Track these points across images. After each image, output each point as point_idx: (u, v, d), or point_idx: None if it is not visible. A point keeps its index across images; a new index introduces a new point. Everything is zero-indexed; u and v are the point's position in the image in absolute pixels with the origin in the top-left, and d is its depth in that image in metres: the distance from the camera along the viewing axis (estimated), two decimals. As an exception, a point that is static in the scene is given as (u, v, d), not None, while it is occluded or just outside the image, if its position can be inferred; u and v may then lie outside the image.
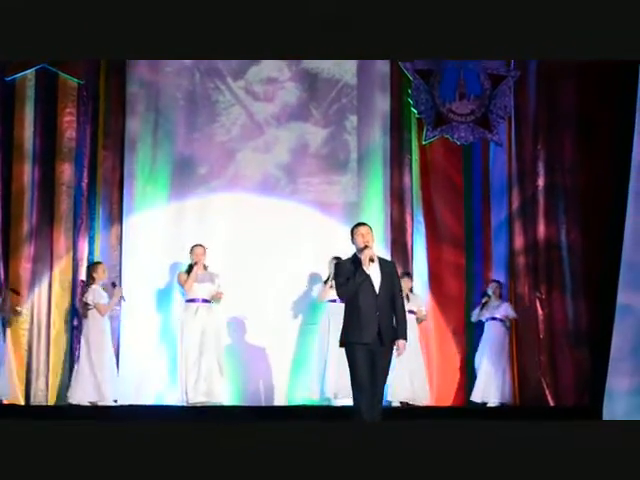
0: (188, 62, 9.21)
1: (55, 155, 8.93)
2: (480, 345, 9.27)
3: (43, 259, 8.79)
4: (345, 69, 9.51)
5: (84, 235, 8.89)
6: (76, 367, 8.27)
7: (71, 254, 8.86)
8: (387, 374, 6.03)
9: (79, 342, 8.44)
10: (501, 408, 9.03)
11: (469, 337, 9.46)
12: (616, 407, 7.68)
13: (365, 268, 5.90)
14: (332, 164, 9.49)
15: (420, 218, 9.52)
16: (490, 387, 9.08)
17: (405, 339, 6.01)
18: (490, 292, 9.31)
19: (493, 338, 9.18)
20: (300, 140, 9.42)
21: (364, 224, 6.21)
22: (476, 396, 9.10)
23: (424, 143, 9.63)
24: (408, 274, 9.07)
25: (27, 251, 8.78)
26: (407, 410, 8.69)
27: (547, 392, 9.21)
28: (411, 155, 9.63)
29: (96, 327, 8.27)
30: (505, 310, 9.23)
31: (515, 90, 9.76)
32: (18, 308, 8.52)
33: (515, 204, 9.63)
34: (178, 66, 9.19)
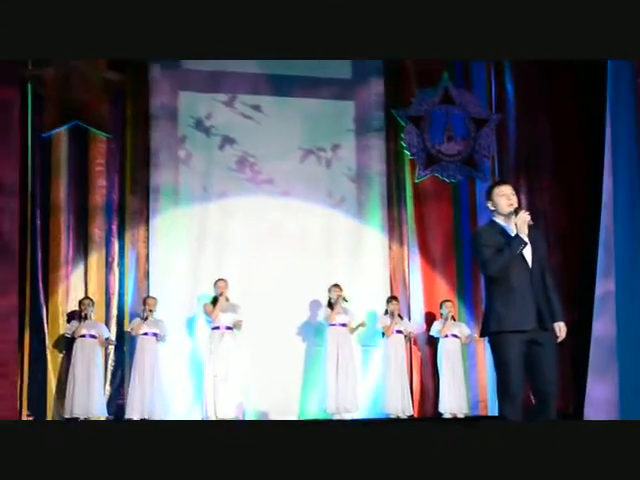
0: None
1: (88, 201, 9.54)
2: (438, 360, 9.79)
3: (78, 293, 9.40)
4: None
5: (115, 272, 9.55)
6: (131, 386, 9.09)
7: (104, 289, 9.52)
8: (556, 368, 4.90)
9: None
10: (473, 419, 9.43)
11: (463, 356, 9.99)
12: (597, 410, 8.40)
13: (522, 235, 4.81)
14: (334, 203, 10.24)
15: (415, 249, 10.19)
16: (453, 399, 9.57)
17: (563, 320, 4.97)
18: (445, 311, 9.81)
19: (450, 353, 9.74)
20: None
21: (505, 182, 5.16)
22: (442, 408, 9.60)
23: (416, 181, 10.30)
24: (395, 298, 9.83)
25: (64, 287, 9.39)
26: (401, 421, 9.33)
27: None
28: (406, 192, 10.32)
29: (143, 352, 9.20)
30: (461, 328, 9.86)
31: (497, 132, 10.52)
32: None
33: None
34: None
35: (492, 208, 5.04)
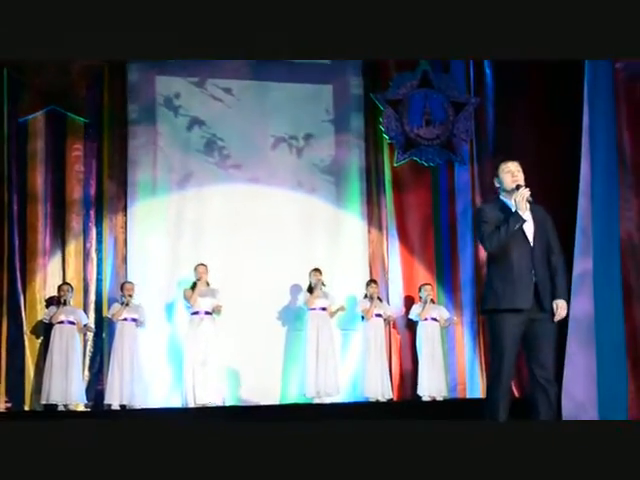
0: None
1: (65, 187, 9.50)
2: (417, 343, 9.85)
3: (55, 280, 9.38)
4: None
5: (93, 258, 9.52)
6: (111, 372, 9.06)
7: (82, 275, 9.48)
8: (555, 349, 4.81)
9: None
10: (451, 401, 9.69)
11: (442, 339, 10.04)
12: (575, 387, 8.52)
13: (521, 212, 4.72)
14: (312, 188, 10.28)
15: (394, 233, 10.22)
16: (432, 382, 9.63)
17: (565, 299, 4.83)
18: (424, 295, 9.85)
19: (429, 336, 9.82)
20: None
21: (512, 159, 5.01)
22: (421, 391, 9.68)
23: (395, 165, 10.33)
24: (374, 281, 9.86)
25: (42, 274, 9.36)
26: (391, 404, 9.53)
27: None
28: (384, 177, 10.33)
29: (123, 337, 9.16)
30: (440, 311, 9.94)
31: (475, 116, 10.55)
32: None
33: (479, 216, 10.45)
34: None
35: (497, 185, 4.99)
